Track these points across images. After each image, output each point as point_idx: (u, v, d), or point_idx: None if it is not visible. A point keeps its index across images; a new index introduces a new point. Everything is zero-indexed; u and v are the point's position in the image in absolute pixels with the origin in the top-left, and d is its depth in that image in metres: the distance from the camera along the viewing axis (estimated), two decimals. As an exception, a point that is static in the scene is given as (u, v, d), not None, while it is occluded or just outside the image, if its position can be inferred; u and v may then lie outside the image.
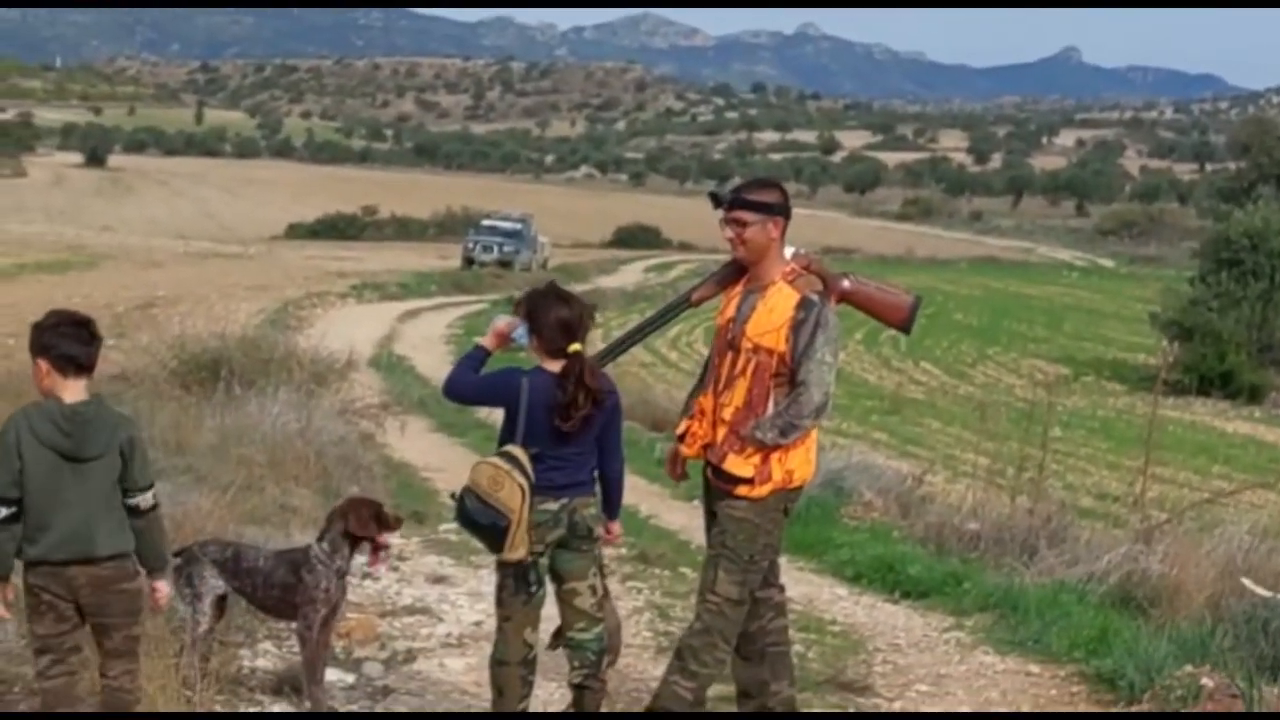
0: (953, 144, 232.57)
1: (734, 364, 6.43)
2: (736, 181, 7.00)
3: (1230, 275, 40.60)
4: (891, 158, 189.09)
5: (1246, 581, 8.73)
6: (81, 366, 5.42)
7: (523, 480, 5.94)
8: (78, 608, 5.41)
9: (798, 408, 6.28)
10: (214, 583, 6.48)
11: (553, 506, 6.06)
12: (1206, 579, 9.50)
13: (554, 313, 6.11)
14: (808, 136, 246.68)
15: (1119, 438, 26.67)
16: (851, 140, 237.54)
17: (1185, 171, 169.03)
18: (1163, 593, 9.39)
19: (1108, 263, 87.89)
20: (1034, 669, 8.35)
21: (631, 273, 61.67)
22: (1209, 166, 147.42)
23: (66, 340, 5.43)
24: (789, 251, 6.54)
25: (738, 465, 6.35)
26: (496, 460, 6.01)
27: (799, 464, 6.40)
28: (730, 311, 6.52)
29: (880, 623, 9.67)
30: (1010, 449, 14.57)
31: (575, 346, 6.05)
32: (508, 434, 6.08)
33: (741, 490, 6.35)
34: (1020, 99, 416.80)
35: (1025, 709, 7.63)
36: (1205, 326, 39.65)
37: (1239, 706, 6.77)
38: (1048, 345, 46.83)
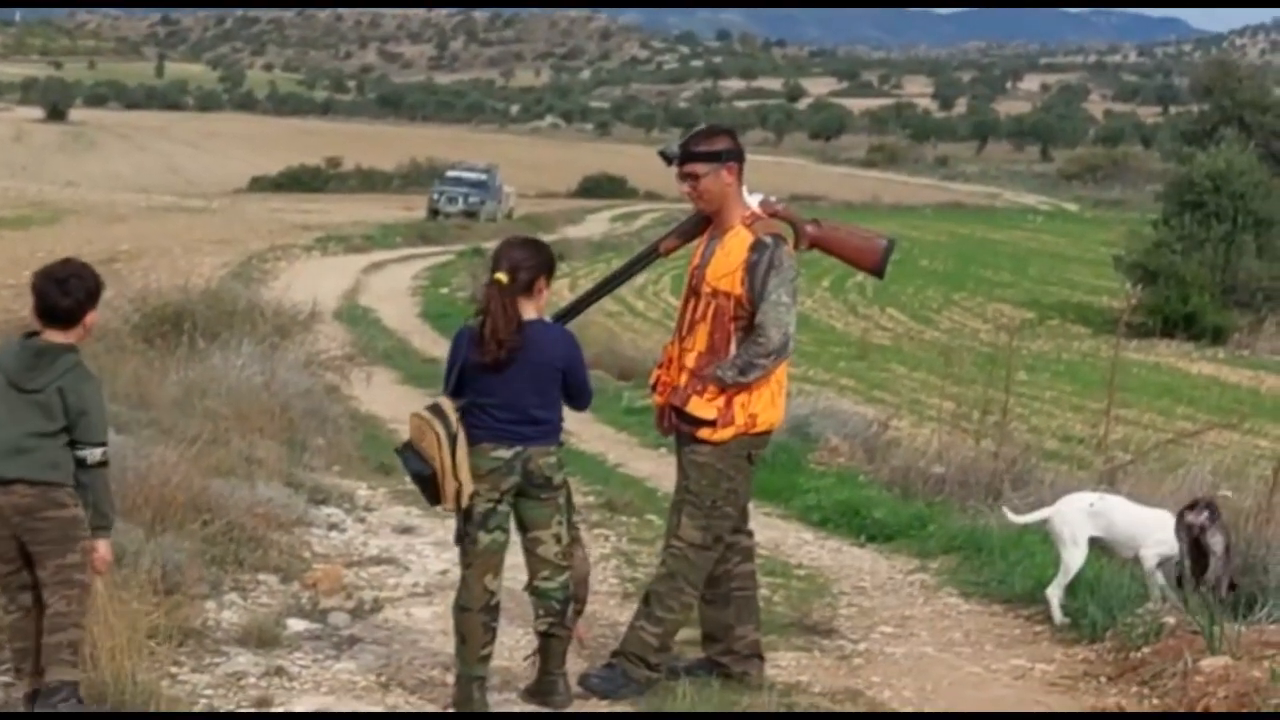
0: (917, 90, 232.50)
1: (695, 309, 6.47)
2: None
3: (1193, 218, 40.76)
4: (857, 104, 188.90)
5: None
6: (57, 318, 5.59)
7: (441, 429, 6.02)
8: (16, 541, 5.52)
9: (757, 348, 6.30)
10: None
11: (505, 454, 6.06)
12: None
13: (503, 254, 6.16)
14: (773, 84, 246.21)
15: (1083, 380, 26.81)
16: (817, 87, 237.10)
17: (1149, 115, 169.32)
18: (1126, 533, 9.43)
19: (1072, 207, 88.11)
20: (998, 609, 8.42)
21: (598, 222, 61.58)
22: (1172, 109, 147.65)
23: (45, 295, 5.60)
24: (756, 198, 6.55)
25: (700, 407, 6.38)
26: (422, 411, 6.12)
27: (763, 408, 6.41)
28: (696, 258, 6.57)
29: (846, 566, 9.73)
30: (975, 393, 14.66)
31: (498, 276, 6.05)
32: (445, 384, 6.16)
33: (704, 433, 6.37)
34: (984, 44, 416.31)
35: (989, 649, 7.69)
36: (1169, 269, 39.83)
37: (1199, 644, 6.83)
38: (1013, 290, 46.98)
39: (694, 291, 6.49)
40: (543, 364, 6.06)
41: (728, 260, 6.39)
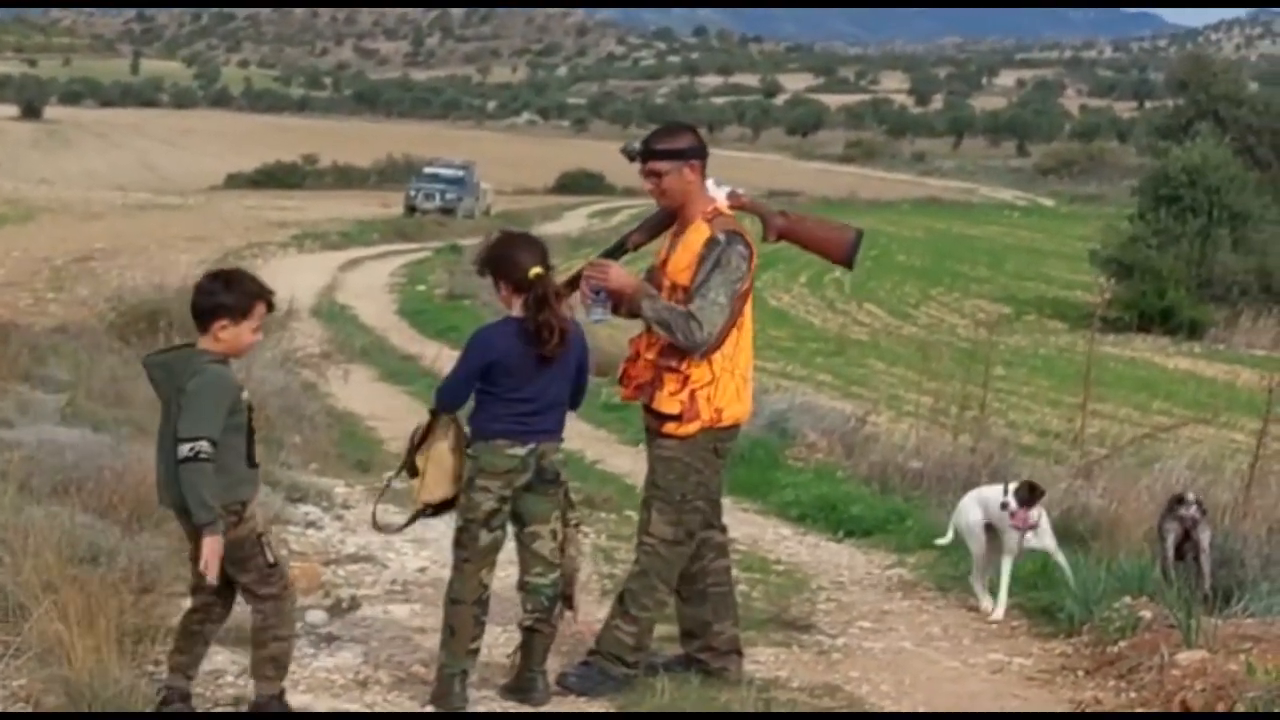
0: (894, 86, 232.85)
1: None
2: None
3: (1169, 212, 40.84)
4: (833, 100, 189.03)
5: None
6: (198, 319, 5.61)
7: (419, 425, 6.22)
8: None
9: (685, 325, 6.28)
10: None
11: (520, 451, 6.07)
12: (1146, 513, 9.59)
13: (513, 253, 6.16)
14: (750, 80, 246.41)
15: (1060, 375, 26.84)
16: (794, 83, 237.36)
17: (1124, 110, 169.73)
18: (1102, 526, 9.49)
19: (1048, 202, 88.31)
20: (975, 604, 8.42)
21: (575, 219, 61.53)
22: (1148, 104, 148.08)
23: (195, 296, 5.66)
24: (724, 191, 6.56)
25: (665, 402, 6.39)
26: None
27: (728, 402, 6.42)
28: (661, 253, 6.62)
29: (824, 561, 9.74)
30: (953, 388, 14.69)
31: (536, 271, 6.05)
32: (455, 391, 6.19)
33: (669, 427, 6.38)
34: (960, 40, 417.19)
35: (966, 644, 7.70)
36: (1145, 263, 39.91)
37: (1176, 637, 6.85)
38: (990, 285, 47.06)
39: (656, 285, 6.51)
40: (571, 358, 6.13)
41: (686, 254, 6.42)
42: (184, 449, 5.38)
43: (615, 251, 6.81)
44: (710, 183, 6.53)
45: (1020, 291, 45.35)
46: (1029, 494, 8.07)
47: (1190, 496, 8.13)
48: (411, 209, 56.39)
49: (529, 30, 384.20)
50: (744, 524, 10.83)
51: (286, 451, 11.50)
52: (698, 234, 6.42)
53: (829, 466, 12.88)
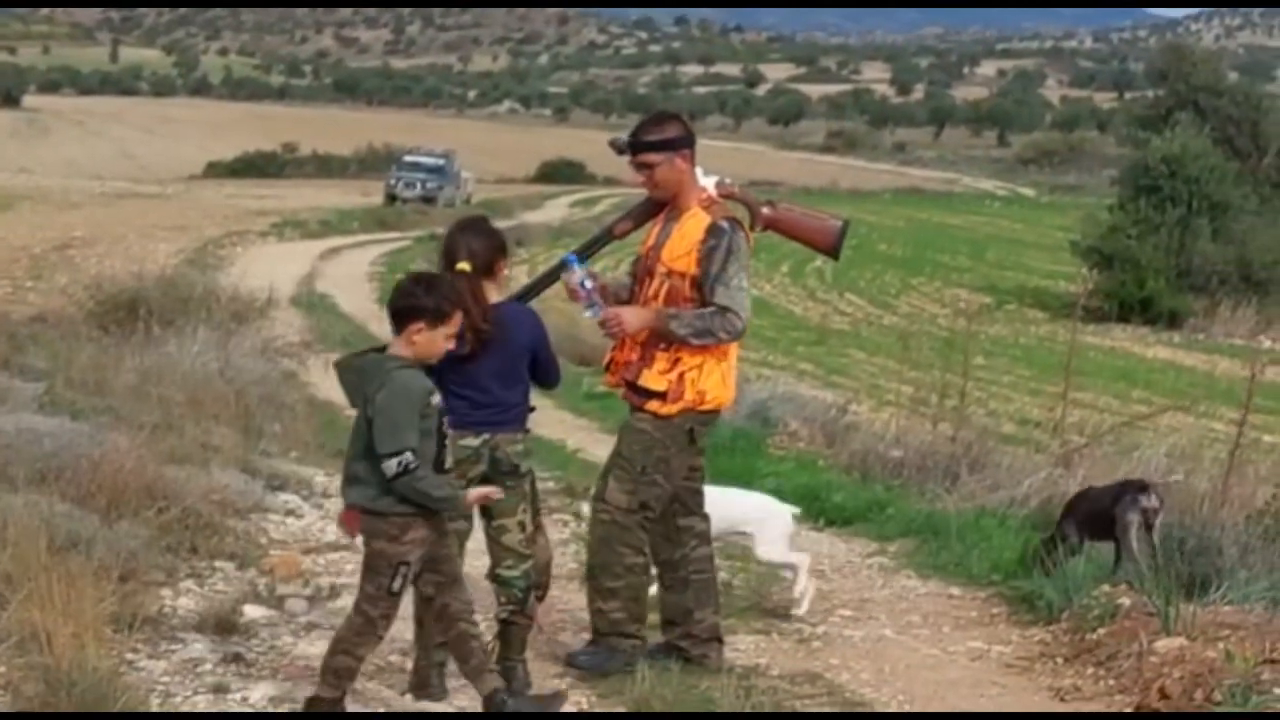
0: (875, 76, 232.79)
1: (648, 288, 6.49)
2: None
3: (1149, 202, 40.91)
4: (815, 90, 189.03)
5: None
6: (394, 319, 5.60)
7: None
8: None
9: (723, 321, 6.31)
10: None
11: (473, 442, 6.06)
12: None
13: (451, 243, 6.17)
14: (732, 70, 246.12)
15: (1040, 364, 26.89)
16: (775, 73, 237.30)
17: (1105, 100, 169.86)
18: (1082, 515, 9.48)
19: (1029, 192, 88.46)
20: (955, 591, 8.45)
21: (557, 208, 61.48)
22: (1128, 94, 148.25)
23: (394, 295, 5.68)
24: (712, 180, 6.56)
25: (652, 379, 6.39)
26: None
27: (712, 385, 6.42)
28: (650, 240, 6.59)
29: (805, 549, 9.72)
30: (933, 377, 14.72)
31: (461, 265, 6.02)
32: None
33: (653, 405, 6.39)
34: (941, 30, 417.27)
35: (946, 631, 7.72)
36: (1125, 253, 40.00)
37: (1154, 625, 6.87)
38: (971, 275, 47.12)
39: (648, 271, 6.50)
40: (510, 346, 6.05)
41: (684, 241, 6.41)
42: (391, 466, 5.39)
43: (601, 240, 6.80)
44: (698, 171, 6.53)
45: (1001, 281, 45.43)
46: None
47: (1150, 485, 8.18)
48: (392, 198, 56.27)
49: (509, 19, 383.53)
50: (725, 512, 10.83)
51: (266, 440, 11.50)
52: (696, 222, 6.41)
53: (810, 455, 12.91)
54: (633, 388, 6.46)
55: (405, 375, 5.48)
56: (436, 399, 5.56)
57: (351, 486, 5.56)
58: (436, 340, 5.56)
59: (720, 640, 6.78)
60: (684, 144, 6.47)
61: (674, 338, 6.32)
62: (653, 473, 6.43)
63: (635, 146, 6.47)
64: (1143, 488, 8.13)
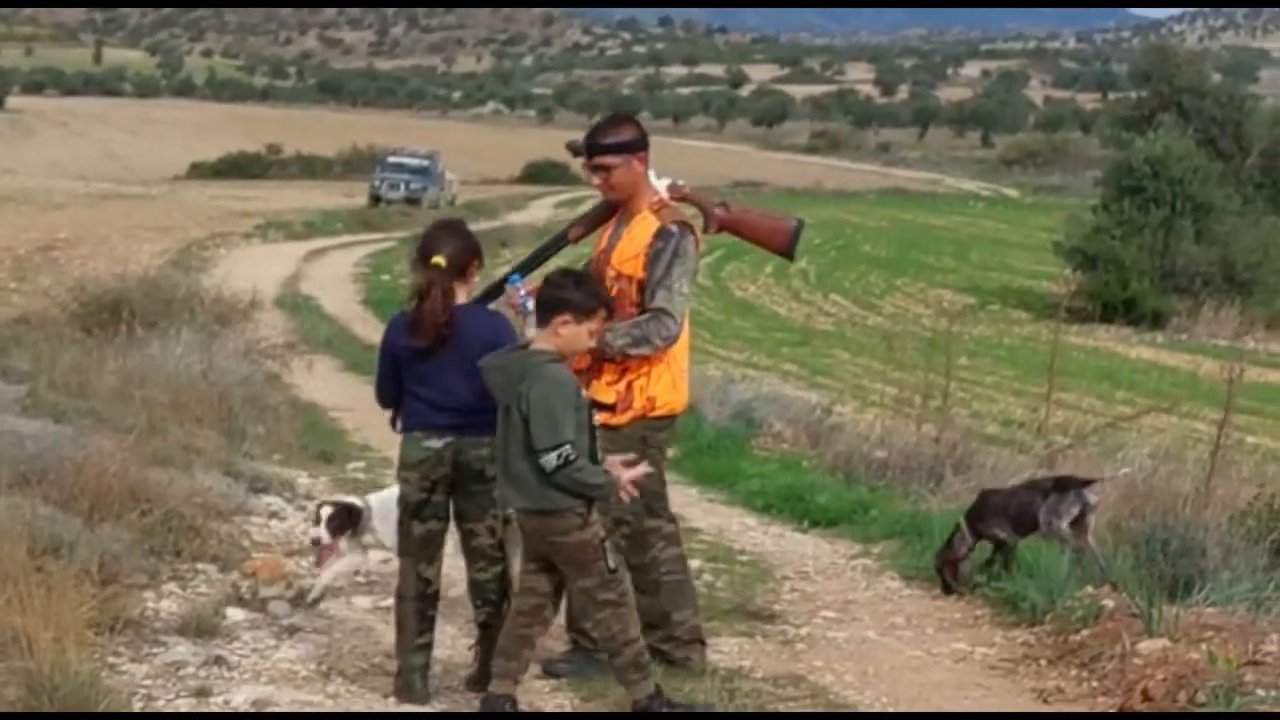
0: (859, 76, 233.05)
1: None
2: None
3: (1132, 203, 40.98)
4: (799, 91, 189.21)
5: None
6: (541, 311, 5.68)
7: None
8: (542, 554, 5.68)
9: (657, 326, 6.28)
10: None
11: (435, 444, 6.05)
12: (1108, 501, 9.61)
13: (427, 241, 6.19)
14: (716, 70, 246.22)
15: (1024, 365, 26.94)
16: (759, 74, 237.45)
17: (1088, 101, 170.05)
18: (1065, 516, 9.48)
19: (1013, 192, 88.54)
20: (939, 594, 8.44)
21: (541, 208, 61.44)
22: (1111, 95, 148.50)
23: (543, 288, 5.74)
24: (665, 183, 6.55)
25: (600, 391, 6.35)
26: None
27: (662, 391, 6.41)
28: (602, 243, 6.58)
29: (789, 551, 9.74)
30: (917, 378, 14.74)
31: (437, 259, 6.02)
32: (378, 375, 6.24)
33: (603, 417, 6.34)
34: (925, 31, 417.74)
35: (930, 633, 7.72)
36: (1108, 254, 40.07)
37: (1137, 626, 6.88)
38: (955, 275, 47.18)
39: (598, 275, 6.47)
40: (474, 348, 6.01)
41: (633, 244, 6.39)
42: (551, 460, 5.45)
43: (555, 244, 6.78)
44: (650, 174, 6.52)
45: (984, 282, 45.49)
46: (346, 518, 7.08)
47: (1097, 480, 8.35)
48: (376, 199, 56.24)
49: (494, 20, 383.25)
50: (710, 514, 10.85)
51: (249, 442, 11.46)
52: (645, 225, 6.40)
53: (794, 456, 12.90)
54: None
55: (555, 369, 5.57)
56: (585, 392, 5.72)
57: (512, 487, 5.62)
58: (581, 335, 5.66)
59: (702, 642, 6.77)
60: (640, 146, 6.46)
61: (611, 351, 6.28)
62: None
63: (592, 149, 6.45)
64: (1088, 482, 8.26)
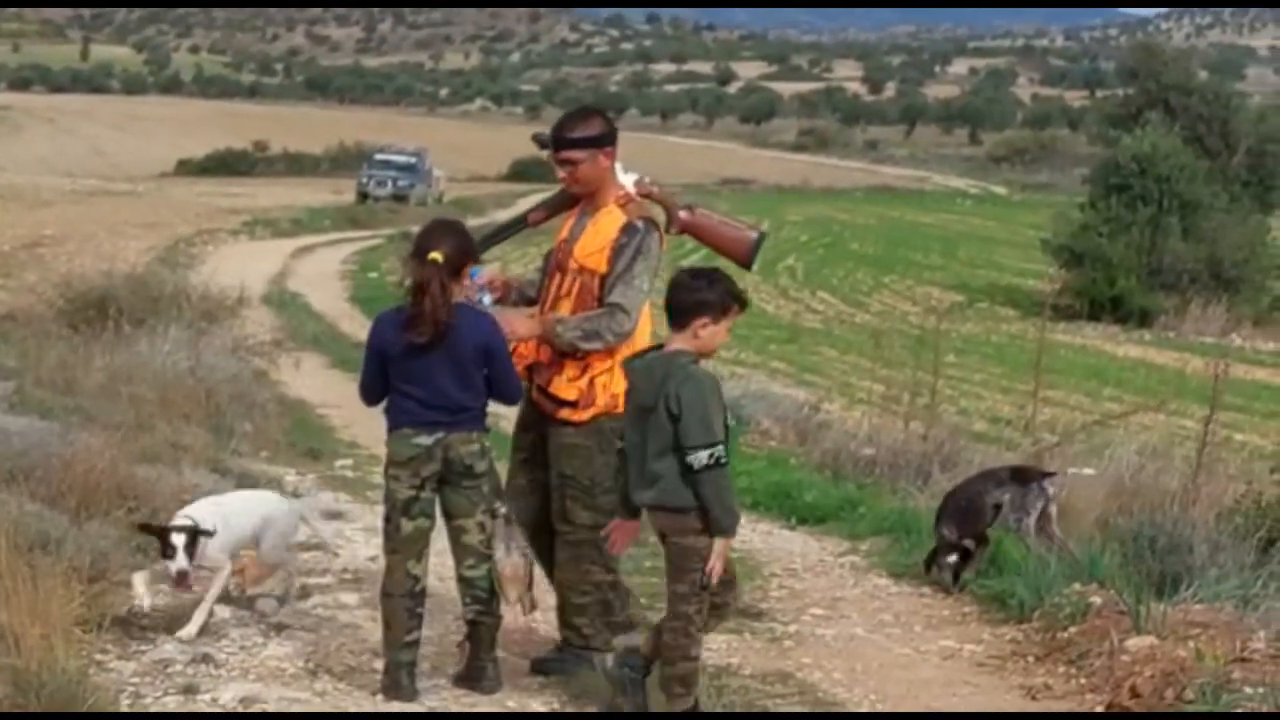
0: (847, 74, 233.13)
1: (560, 284, 6.43)
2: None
3: (1120, 200, 41.03)
4: (787, 88, 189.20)
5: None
6: (678, 315, 5.65)
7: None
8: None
9: (610, 321, 6.24)
10: None
11: (425, 440, 6.04)
12: (1096, 499, 9.65)
13: (424, 239, 6.16)
14: (704, 68, 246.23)
15: (1011, 363, 26.95)
16: (747, 71, 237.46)
17: (1076, 98, 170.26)
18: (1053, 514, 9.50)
19: (1000, 190, 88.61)
20: (927, 591, 8.45)
21: (528, 205, 61.13)
22: (1099, 93, 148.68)
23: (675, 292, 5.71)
24: (631, 178, 6.52)
25: (562, 388, 6.34)
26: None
27: (624, 389, 6.39)
28: (564, 233, 6.54)
29: (777, 549, 9.75)
30: (905, 376, 14.74)
31: (434, 255, 6.01)
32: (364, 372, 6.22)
33: (564, 413, 6.34)
34: (913, 28, 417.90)
35: (918, 630, 7.73)
36: (1095, 251, 40.12)
37: (1125, 623, 6.89)
38: (942, 273, 47.20)
39: (559, 267, 6.46)
40: (466, 348, 6.01)
41: (598, 238, 6.36)
42: (703, 456, 5.49)
43: (514, 226, 6.76)
44: (618, 168, 6.50)
45: (972, 279, 45.52)
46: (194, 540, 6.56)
47: (1057, 475, 8.43)
48: (363, 196, 56.21)
49: (481, 17, 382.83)
50: (697, 511, 10.83)
51: (237, 439, 11.47)
52: (611, 219, 6.37)
53: (782, 454, 12.91)
54: (544, 394, 6.41)
55: (704, 371, 5.64)
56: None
57: (650, 487, 5.62)
58: (719, 334, 5.69)
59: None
60: (608, 140, 6.43)
61: (561, 344, 6.26)
62: (602, 480, 6.39)
63: (558, 143, 6.41)
64: (1048, 474, 8.33)
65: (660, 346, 5.74)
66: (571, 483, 6.39)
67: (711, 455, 5.49)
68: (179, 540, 6.44)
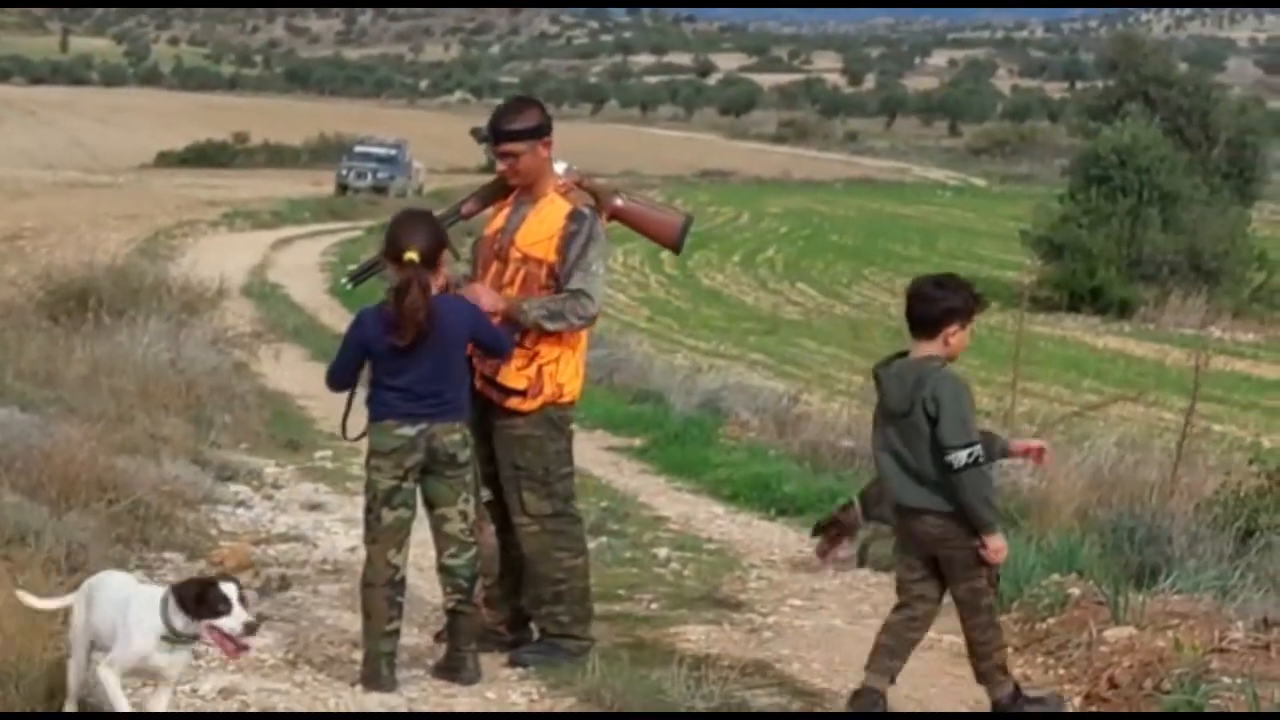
0: (827, 65, 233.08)
1: (501, 275, 6.44)
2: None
3: (1100, 192, 41.04)
4: (766, 80, 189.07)
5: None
6: (926, 325, 5.77)
7: None
8: (933, 559, 5.81)
9: (575, 305, 6.29)
10: None
11: (409, 431, 6.06)
12: (1075, 490, 9.67)
13: (396, 232, 6.20)
14: (683, 59, 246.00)
15: (991, 354, 26.89)
16: (727, 63, 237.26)
17: (1056, 90, 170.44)
18: (1032, 505, 9.53)
19: (980, 182, 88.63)
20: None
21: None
22: (1079, 85, 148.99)
23: (908, 302, 5.89)
24: (561, 167, 6.55)
25: (510, 377, 6.36)
26: None
27: (569, 379, 6.44)
28: (499, 222, 6.55)
29: (756, 540, 9.76)
30: (884, 367, 14.71)
31: (410, 255, 6.00)
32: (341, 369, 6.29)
33: (513, 403, 6.35)
34: (893, 20, 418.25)
35: (897, 621, 7.73)
36: (1075, 243, 40.13)
37: (1104, 614, 6.91)
38: (923, 265, 47.06)
39: (497, 256, 6.46)
40: (449, 337, 6.04)
41: (541, 227, 6.39)
42: (962, 456, 5.60)
43: (447, 219, 6.78)
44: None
45: (952, 270, 45.52)
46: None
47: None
48: (343, 188, 56.10)
49: (461, 9, 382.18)
50: (677, 503, 10.87)
51: (217, 431, 11.46)
52: (555, 208, 6.40)
53: (761, 445, 12.91)
54: (490, 383, 6.41)
55: (957, 375, 5.78)
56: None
57: (928, 491, 5.71)
58: (965, 337, 5.83)
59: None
60: (546, 131, 6.47)
61: (526, 321, 6.28)
62: (556, 468, 6.43)
63: (499, 135, 6.44)
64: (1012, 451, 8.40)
65: (905, 354, 5.82)
66: (525, 474, 6.40)
67: (970, 454, 5.61)
68: (231, 591, 5.26)
